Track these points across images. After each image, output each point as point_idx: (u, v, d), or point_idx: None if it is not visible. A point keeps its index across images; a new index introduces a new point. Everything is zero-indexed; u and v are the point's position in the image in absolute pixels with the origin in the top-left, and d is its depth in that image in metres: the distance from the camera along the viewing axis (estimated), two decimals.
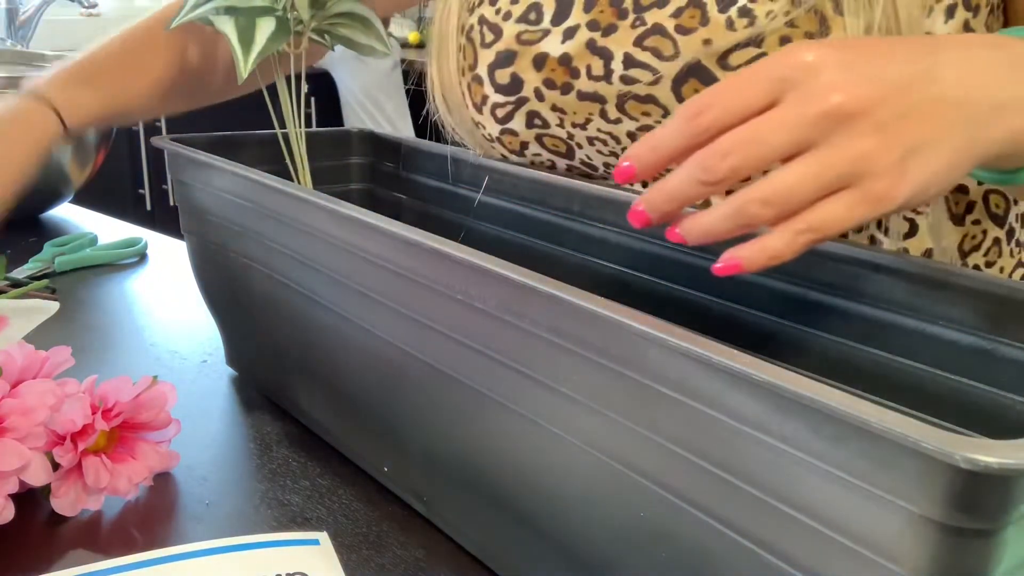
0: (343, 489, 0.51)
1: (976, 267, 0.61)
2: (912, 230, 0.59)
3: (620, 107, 0.59)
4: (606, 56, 0.58)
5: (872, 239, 0.58)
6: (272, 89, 0.63)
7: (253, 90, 0.65)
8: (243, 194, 0.55)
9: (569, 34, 0.60)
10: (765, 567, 0.30)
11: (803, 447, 0.27)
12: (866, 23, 0.50)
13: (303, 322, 0.53)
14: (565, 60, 0.60)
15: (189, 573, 0.43)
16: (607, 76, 0.58)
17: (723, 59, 0.54)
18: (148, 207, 2.38)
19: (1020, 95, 0.37)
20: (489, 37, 0.63)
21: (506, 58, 0.62)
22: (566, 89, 0.60)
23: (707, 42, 0.54)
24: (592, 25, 0.59)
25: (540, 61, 0.61)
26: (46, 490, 0.47)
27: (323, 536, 0.46)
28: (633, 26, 0.57)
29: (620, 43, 0.57)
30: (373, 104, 2.71)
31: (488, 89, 0.64)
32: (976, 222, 0.60)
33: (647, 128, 0.59)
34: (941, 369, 0.42)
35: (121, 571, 0.42)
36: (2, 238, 0.71)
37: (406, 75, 2.77)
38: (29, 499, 0.48)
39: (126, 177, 2.37)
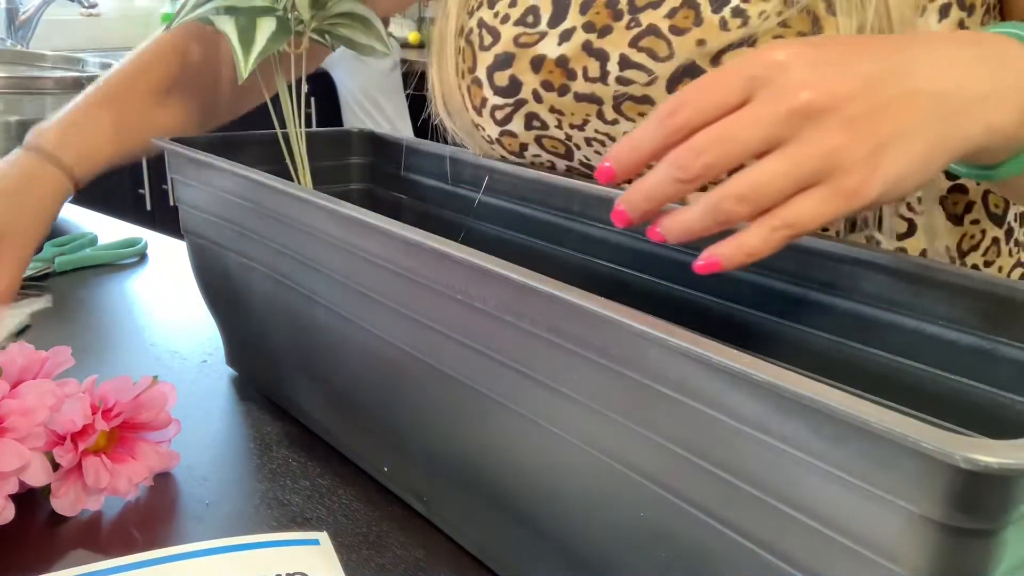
0: (343, 489, 0.51)
1: (975, 267, 0.61)
2: (910, 230, 0.59)
3: (617, 108, 0.59)
4: (602, 57, 0.58)
5: (870, 239, 0.58)
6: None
7: (260, 103, 0.65)
8: (243, 194, 0.55)
9: (565, 36, 0.60)
10: (765, 567, 0.30)
11: (803, 447, 0.27)
12: (859, 23, 0.50)
13: (303, 322, 0.53)
14: (562, 62, 0.60)
15: (189, 573, 0.43)
16: (603, 77, 0.58)
17: (717, 59, 0.54)
18: (148, 207, 2.38)
19: (996, 90, 0.38)
20: (487, 40, 0.64)
21: (504, 60, 0.62)
22: (563, 91, 0.60)
23: (701, 42, 0.54)
24: (588, 27, 0.59)
25: (537, 63, 0.61)
26: (46, 490, 0.47)
27: (323, 536, 0.46)
28: (628, 27, 0.57)
29: (616, 44, 0.58)
30: (372, 104, 2.71)
31: (487, 91, 0.64)
32: (975, 222, 0.60)
33: None
34: (941, 369, 0.42)
35: (121, 571, 0.42)
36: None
37: (406, 76, 2.77)
38: (29, 499, 0.48)
39: (126, 177, 2.37)
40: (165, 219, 2.31)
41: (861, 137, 0.35)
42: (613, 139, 0.61)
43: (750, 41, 0.53)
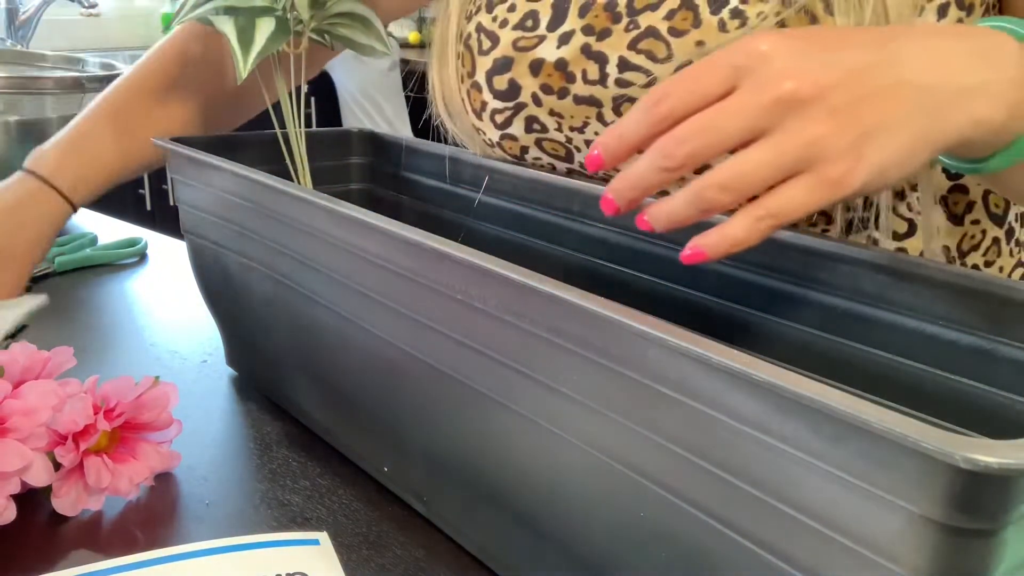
0: (343, 489, 0.51)
1: (975, 267, 0.61)
2: (911, 230, 0.59)
3: (616, 110, 0.59)
4: (601, 60, 0.58)
5: (869, 239, 0.58)
6: (272, 90, 0.63)
7: (263, 108, 0.65)
8: (243, 194, 0.55)
9: (564, 39, 0.60)
10: (765, 567, 0.30)
11: (803, 447, 0.27)
12: (856, 23, 0.50)
13: (303, 322, 0.53)
14: (561, 65, 0.60)
15: (189, 573, 0.43)
16: (602, 80, 0.58)
17: None
18: (148, 207, 2.38)
19: (983, 82, 0.38)
20: (486, 44, 0.64)
21: (503, 64, 0.62)
22: (563, 94, 0.60)
23: (700, 44, 0.54)
24: (587, 30, 0.59)
25: (536, 67, 0.61)
26: (47, 490, 0.47)
27: (323, 536, 0.46)
28: (627, 30, 0.57)
29: (614, 47, 0.58)
30: (371, 104, 2.70)
31: (487, 95, 0.64)
32: (975, 222, 0.60)
33: None
34: (941, 369, 0.42)
35: (121, 571, 0.42)
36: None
37: (405, 76, 2.77)
38: (30, 499, 0.48)
39: None
40: (165, 219, 2.31)
41: (845, 127, 0.35)
42: None
43: None
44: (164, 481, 0.52)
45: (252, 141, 0.68)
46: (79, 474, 0.48)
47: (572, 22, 0.60)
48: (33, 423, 0.46)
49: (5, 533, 0.46)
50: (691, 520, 0.32)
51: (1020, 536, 0.25)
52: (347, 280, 0.48)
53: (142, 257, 0.93)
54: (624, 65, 0.57)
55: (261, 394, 0.63)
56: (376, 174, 0.75)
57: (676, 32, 0.55)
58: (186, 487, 0.52)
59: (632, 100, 0.58)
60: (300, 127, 0.63)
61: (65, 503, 0.47)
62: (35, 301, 0.73)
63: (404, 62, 2.81)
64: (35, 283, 0.82)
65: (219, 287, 0.64)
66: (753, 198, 0.37)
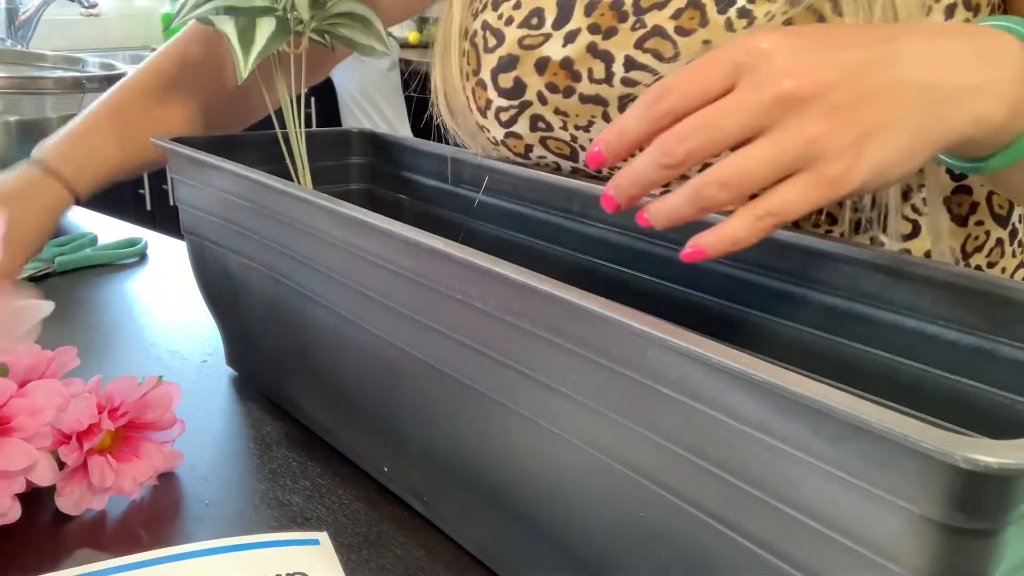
0: (343, 489, 0.51)
1: (978, 268, 0.61)
2: (915, 231, 0.59)
3: (622, 109, 0.59)
4: (607, 59, 0.58)
5: (873, 240, 0.58)
6: (272, 90, 0.63)
7: (265, 114, 0.65)
8: (243, 194, 0.55)
9: (570, 38, 0.60)
10: (765, 567, 0.30)
11: (803, 447, 0.27)
12: (864, 23, 0.50)
13: (303, 322, 0.53)
14: (567, 64, 0.60)
15: (189, 573, 0.43)
16: (608, 79, 0.58)
17: None
18: (148, 207, 2.38)
19: (983, 81, 0.38)
20: (492, 42, 0.64)
21: (508, 63, 0.62)
22: (568, 92, 0.60)
23: (706, 43, 0.54)
24: (593, 28, 0.59)
25: (542, 65, 0.61)
26: (51, 489, 0.47)
27: (323, 536, 0.46)
28: (633, 28, 0.57)
29: (621, 46, 0.58)
30: (370, 105, 2.70)
31: (492, 93, 0.64)
32: (979, 223, 0.60)
33: None
34: (941, 369, 0.42)
35: (121, 571, 0.42)
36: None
37: (405, 76, 2.77)
38: (34, 498, 0.48)
39: None
40: (165, 219, 2.31)
41: (844, 125, 0.35)
42: None
43: None
44: (167, 481, 0.52)
45: (252, 141, 0.68)
46: (83, 473, 0.48)
47: (578, 20, 0.60)
48: (38, 422, 0.46)
49: (9, 532, 0.46)
50: (691, 520, 0.32)
51: (1020, 536, 0.25)
52: (347, 280, 0.48)
53: (142, 257, 0.93)
54: (630, 64, 0.57)
55: (261, 394, 0.63)
56: (376, 174, 0.75)
57: (683, 31, 0.55)
58: (186, 487, 0.52)
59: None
60: (300, 127, 0.63)
61: (69, 502, 0.48)
62: (43, 309, 0.72)
63: (404, 62, 2.81)
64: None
65: (219, 287, 0.64)
66: (752, 197, 0.37)
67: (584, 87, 0.60)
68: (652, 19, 0.56)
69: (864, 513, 0.26)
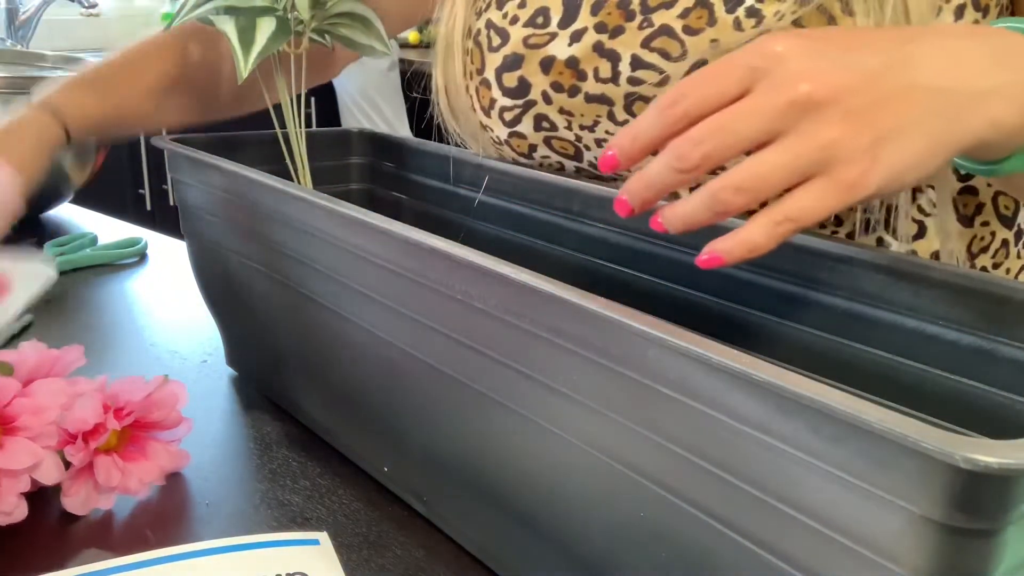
0: (343, 489, 0.51)
1: (983, 269, 0.61)
2: (921, 232, 0.58)
3: (628, 109, 0.59)
4: (613, 58, 0.58)
5: (880, 241, 0.57)
6: (272, 89, 0.63)
7: (262, 108, 0.65)
8: (243, 194, 0.55)
9: (576, 37, 0.60)
10: (765, 567, 0.30)
11: (803, 447, 0.27)
12: (875, 24, 0.50)
13: (303, 322, 0.53)
14: (572, 63, 0.60)
15: (189, 573, 0.43)
16: (614, 78, 0.58)
17: None
18: (148, 207, 2.38)
19: (999, 84, 0.38)
20: (496, 41, 0.63)
21: (513, 62, 0.62)
22: (573, 92, 0.60)
23: (714, 42, 0.54)
24: (599, 27, 0.59)
25: (547, 64, 0.61)
26: (56, 489, 0.47)
27: (323, 536, 0.46)
28: (640, 27, 0.57)
29: (627, 45, 0.57)
30: (370, 105, 2.70)
31: (496, 92, 0.64)
32: (985, 224, 0.60)
33: None
34: (941, 369, 0.42)
35: (121, 571, 0.42)
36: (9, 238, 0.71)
37: (405, 76, 2.77)
38: (39, 497, 0.48)
39: (126, 177, 2.37)
40: (165, 219, 2.31)
41: (860, 130, 0.35)
42: None
43: None
44: (174, 480, 0.52)
45: (252, 141, 0.68)
46: (89, 473, 0.48)
47: (584, 19, 0.60)
48: (43, 421, 0.46)
49: (16, 531, 0.46)
50: (691, 520, 0.32)
51: (1020, 536, 0.25)
52: (347, 280, 0.48)
53: (142, 257, 0.93)
54: (637, 63, 0.57)
55: (261, 394, 0.63)
56: (376, 174, 0.75)
57: (690, 30, 0.55)
58: (185, 487, 0.52)
59: (644, 99, 0.58)
60: (300, 127, 0.63)
61: (75, 502, 0.48)
62: (46, 272, 0.71)
63: (404, 62, 2.81)
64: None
65: (219, 287, 0.64)
66: (765, 203, 0.37)
67: (590, 86, 0.60)
68: (659, 18, 0.56)
69: (864, 513, 0.26)
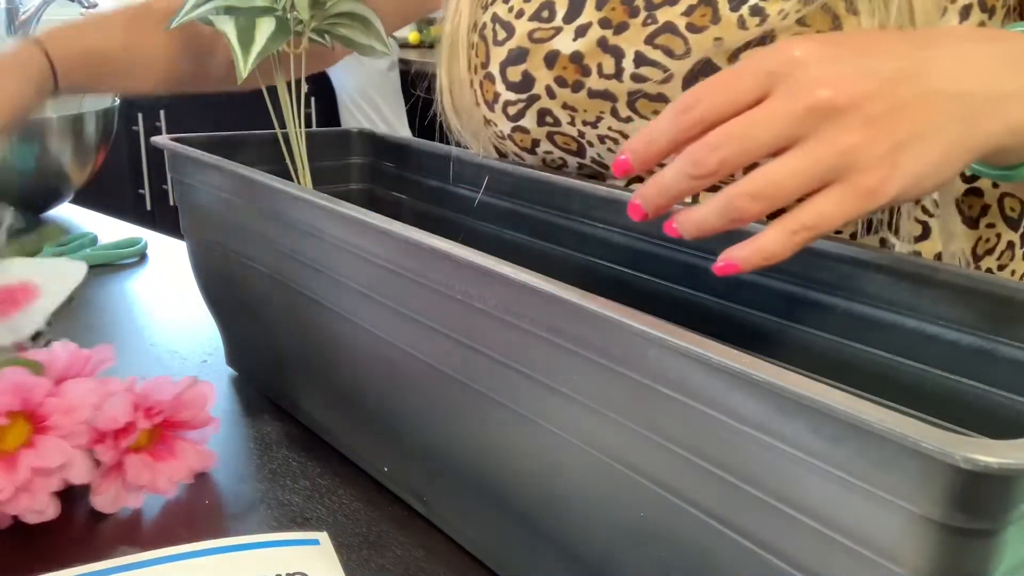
0: (343, 489, 0.51)
1: (988, 271, 0.61)
2: (925, 233, 0.58)
3: (631, 105, 0.59)
4: (617, 54, 0.58)
5: (883, 242, 0.57)
6: (272, 89, 0.63)
7: (254, 87, 0.64)
8: (243, 194, 0.55)
9: (581, 32, 0.60)
10: (765, 567, 0.30)
11: (803, 447, 0.27)
12: (880, 23, 0.50)
13: (303, 322, 0.53)
14: (576, 58, 0.60)
15: (189, 573, 0.43)
16: (618, 74, 0.58)
17: (734, 58, 0.54)
18: (148, 207, 2.38)
19: (1018, 88, 0.37)
20: (501, 35, 0.63)
21: (518, 56, 0.62)
22: (577, 87, 0.60)
23: (718, 40, 0.54)
24: (604, 23, 0.59)
25: (551, 59, 0.61)
26: (85, 488, 0.48)
27: (323, 536, 0.46)
28: (644, 24, 0.57)
29: (631, 41, 0.57)
30: (369, 105, 2.70)
31: (500, 86, 0.64)
32: (990, 225, 0.60)
33: None
34: (941, 369, 0.42)
35: (121, 571, 0.42)
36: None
37: (404, 76, 2.77)
38: (68, 496, 0.48)
39: (126, 177, 2.37)
40: (165, 219, 2.31)
41: (879, 136, 0.35)
42: (626, 136, 0.60)
43: (768, 39, 0.53)
44: (202, 479, 0.52)
45: (252, 141, 0.68)
46: (119, 472, 0.48)
47: (589, 14, 0.60)
48: (74, 420, 0.46)
49: (47, 529, 0.46)
50: (691, 520, 0.32)
51: (1020, 536, 0.25)
52: (347, 280, 0.48)
53: (142, 257, 0.93)
54: (640, 60, 0.57)
55: (261, 394, 0.63)
56: (376, 174, 0.75)
57: (694, 28, 0.55)
58: (215, 486, 0.52)
59: (647, 96, 0.58)
60: (300, 127, 0.63)
61: (105, 500, 0.48)
62: (79, 272, 0.71)
63: (404, 62, 2.80)
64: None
65: (219, 287, 0.64)
66: (782, 210, 0.36)
67: (593, 82, 0.59)
68: (664, 15, 0.56)
69: (864, 513, 0.26)
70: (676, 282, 0.52)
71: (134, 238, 0.95)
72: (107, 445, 0.47)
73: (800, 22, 0.52)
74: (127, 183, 2.36)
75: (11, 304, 0.55)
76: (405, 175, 0.72)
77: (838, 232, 0.58)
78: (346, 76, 2.70)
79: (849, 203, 0.35)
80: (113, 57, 0.77)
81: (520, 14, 0.63)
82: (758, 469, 0.29)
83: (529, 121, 0.63)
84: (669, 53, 0.56)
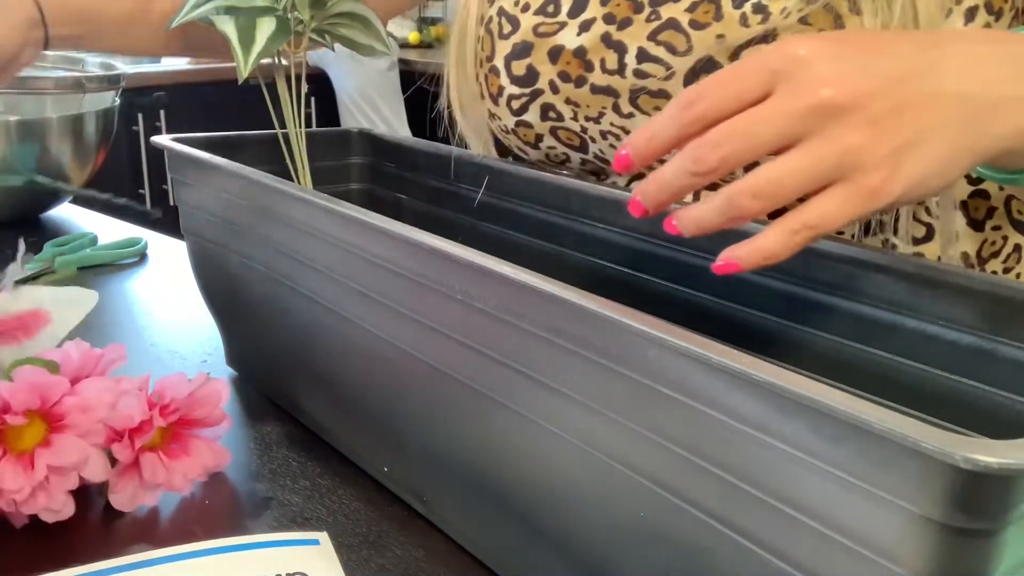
0: (343, 489, 0.51)
1: (994, 273, 0.61)
2: (928, 235, 0.58)
3: (633, 101, 0.59)
4: (620, 50, 0.58)
5: (885, 242, 0.57)
6: (272, 89, 0.63)
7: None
8: (243, 194, 0.55)
9: (585, 27, 0.60)
10: (765, 567, 0.30)
11: (803, 447, 0.27)
12: (883, 23, 0.50)
13: (303, 322, 0.53)
14: (580, 53, 0.60)
15: (189, 573, 0.43)
16: (621, 70, 0.58)
17: (736, 55, 0.54)
18: (148, 207, 2.38)
19: None
20: (507, 28, 0.64)
21: (522, 49, 0.62)
22: (580, 82, 0.60)
23: (720, 37, 0.54)
24: (608, 18, 0.59)
25: (555, 53, 0.61)
26: (102, 486, 0.48)
27: (323, 536, 0.46)
28: (648, 20, 0.57)
29: (634, 37, 0.57)
30: (369, 105, 2.70)
31: (504, 80, 0.64)
32: (996, 228, 0.59)
33: None
34: (941, 369, 0.42)
35: (121, 571, 0.42)
36: None
37: (404, 76, 2.77)
38: (84, 494, 0.48)
39: (126, 177, 2.37)
40: (165, 219, 2.31)
41: (883, 136, 0.34)
42: (628, 133, 0.60)
43: (770, 37, 0.53)
44: (217, 477, 0.52)
45: (252, 141, 0.68)
46: (135, 470, 0.48)
47: (593, 9, 0.60)
48: (91, 419, 0.46)
49: (62, 528, 0.46)
50: (691, 520, 0.32)
51: (1020, 536, 0.25)
52: (347, 280, 0.48)
53: (142, 257, 0.93)
54: (643, 56, 0.57)
55: (261, 394, 0.63)
56: (376, 174, 0.75)
57: (697, 25, 0.55)
58: (229, 484, 0.52)
59: (649, 92, 0.58)
60: (300, 127, 0.63)
61: (122, 498, 0.48)
62: (90, 300, 0.72)
63: (404, 62, 2.81)
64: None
65: (219, 287, 0.64)
66: (783, 209, 0.36)
67: (596, 77, 0.60)
68: (667, 11, 0.56)
69: (864, 513, 0.26)
70: (676, 282, 0.52)
71: (134, 238, 0.95)
72: (123, 444, 0.47)
73: (802, 21, 0.52)
74: (127, 183, 2.37)
75: (22, 331, 0.55)
76: (405, 175, 0.72)
77: (839, 233, 0.58)
78: (346, 76, 2.71)
79: (851, 203, 0.34)
80: (109, 12, 0.76)
81: (526, 8, 0.63)
82: (758, 469, 0.29)
83: (533, 115, 0.64)
84: (671, 49, 0.56)
